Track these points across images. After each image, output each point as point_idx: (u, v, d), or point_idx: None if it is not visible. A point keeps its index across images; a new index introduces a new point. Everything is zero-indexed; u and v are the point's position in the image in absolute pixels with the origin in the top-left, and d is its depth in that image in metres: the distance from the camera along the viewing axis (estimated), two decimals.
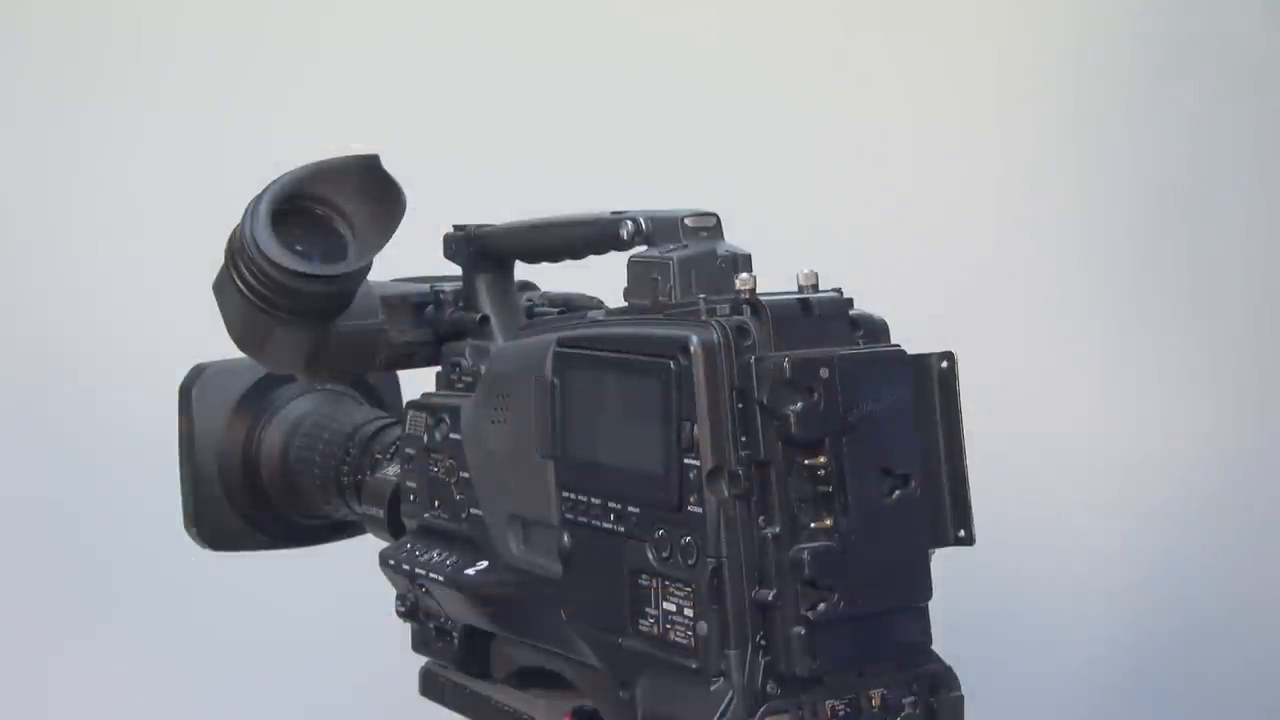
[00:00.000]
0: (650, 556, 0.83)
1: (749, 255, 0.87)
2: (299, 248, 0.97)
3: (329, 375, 1.18)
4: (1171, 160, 2.12)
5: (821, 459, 0.79)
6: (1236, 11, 2.14)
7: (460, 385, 1.02)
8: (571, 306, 1.08)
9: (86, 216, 1.73)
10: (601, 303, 1.06)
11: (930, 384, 0.84)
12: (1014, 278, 2.02)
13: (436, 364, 1.06)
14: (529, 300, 1.08)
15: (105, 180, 1.73)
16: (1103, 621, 1.97)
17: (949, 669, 0.84)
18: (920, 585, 0.81)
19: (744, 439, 0.79)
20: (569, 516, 0.89)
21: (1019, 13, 2.01)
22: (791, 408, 0.78)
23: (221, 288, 0.99)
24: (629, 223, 0.91)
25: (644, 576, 0.84)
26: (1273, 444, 2.11)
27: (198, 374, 1.23)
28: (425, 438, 1.03)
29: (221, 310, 1.00)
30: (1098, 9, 2.09)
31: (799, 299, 0.83)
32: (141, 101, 1.74)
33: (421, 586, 1.03)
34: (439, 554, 1.02)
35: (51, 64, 1.72)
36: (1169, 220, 2.14)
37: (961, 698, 0.84)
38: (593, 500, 0.87)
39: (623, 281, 0.89)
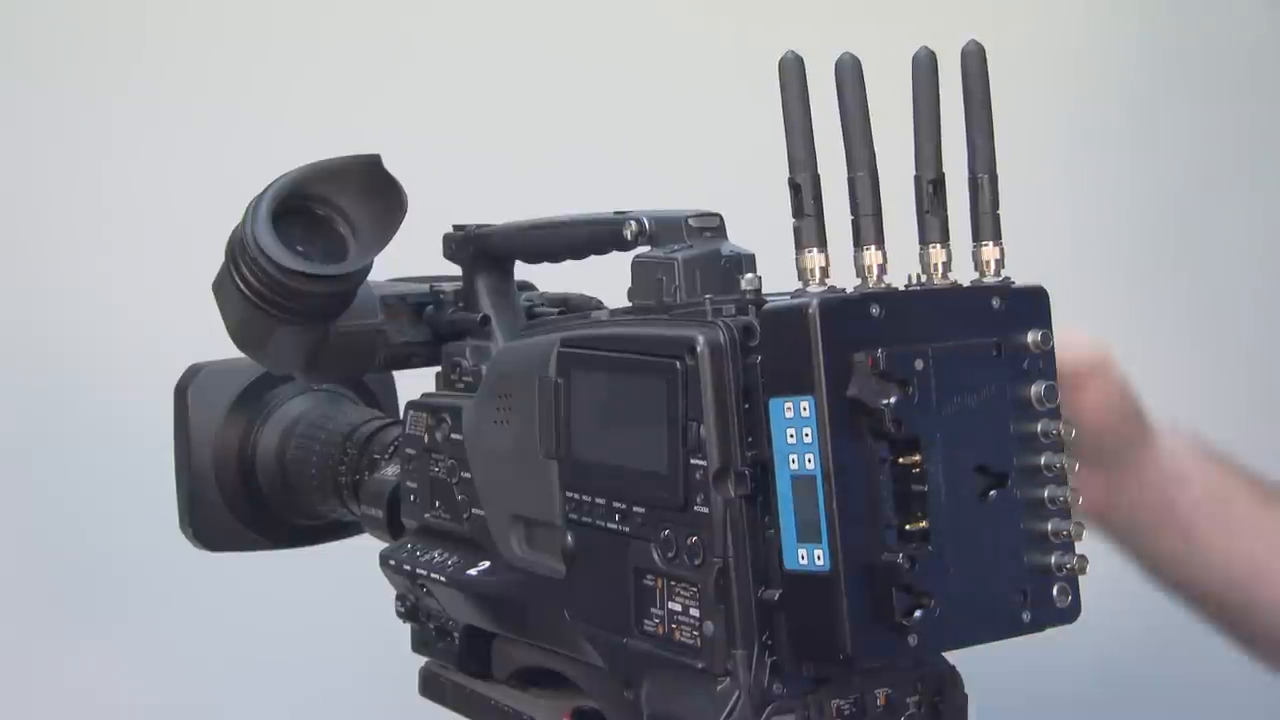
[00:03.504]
0: (655, 556, 0.83)
1: (753, 255, 0.87)
2: (300, 248, 0.96)
3: (328, 376, 1.18)
4: (1169, 160, 2.12)
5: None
6: (1237, 11, 2.14)
7: (461, 385, 1.02)
8: (570, 306, 1.08)
9: (86, 216, 1.72)
10: (600, 303, 1.06)
11: None
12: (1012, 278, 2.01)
13: (436, 364, 1.06)
14: (528, 300, 1.08)
15: (105, 180, 1.72)
16: (1107, 621, 1.96)
17: (953, 669, 0.84)
18: None
19: (750, 439, 0.79)
20: (573, 517, 0.88)
21: (1020, 13, 2.01)
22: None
23: (221, 287, 0.98)
24: (632, 223, 0.90)
25: (649, 576, 0.83)
26: (1271, 444, 2.10)
27: (193, 374, 1.22)
28: (426, 438, 1.03)
29: (221, 310, 1.00)
30: (1098, 8, 2.10)
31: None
32: (142, 101, 1.73)
33: (423, 587, 1.03)
34: (440, 554, 1.02)
35: (51, 63, 1.72)
36: (1165, 220, 2.14)
37: (966, 698, 0.84)
38: (597, 500, 0.87)
39: (620, 281, 0.89)
